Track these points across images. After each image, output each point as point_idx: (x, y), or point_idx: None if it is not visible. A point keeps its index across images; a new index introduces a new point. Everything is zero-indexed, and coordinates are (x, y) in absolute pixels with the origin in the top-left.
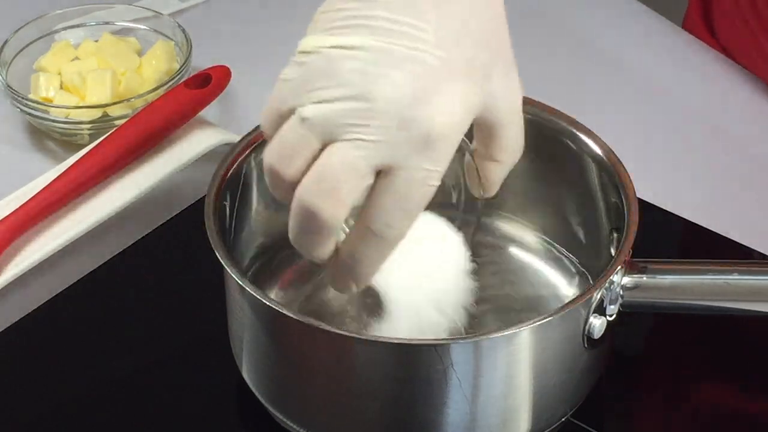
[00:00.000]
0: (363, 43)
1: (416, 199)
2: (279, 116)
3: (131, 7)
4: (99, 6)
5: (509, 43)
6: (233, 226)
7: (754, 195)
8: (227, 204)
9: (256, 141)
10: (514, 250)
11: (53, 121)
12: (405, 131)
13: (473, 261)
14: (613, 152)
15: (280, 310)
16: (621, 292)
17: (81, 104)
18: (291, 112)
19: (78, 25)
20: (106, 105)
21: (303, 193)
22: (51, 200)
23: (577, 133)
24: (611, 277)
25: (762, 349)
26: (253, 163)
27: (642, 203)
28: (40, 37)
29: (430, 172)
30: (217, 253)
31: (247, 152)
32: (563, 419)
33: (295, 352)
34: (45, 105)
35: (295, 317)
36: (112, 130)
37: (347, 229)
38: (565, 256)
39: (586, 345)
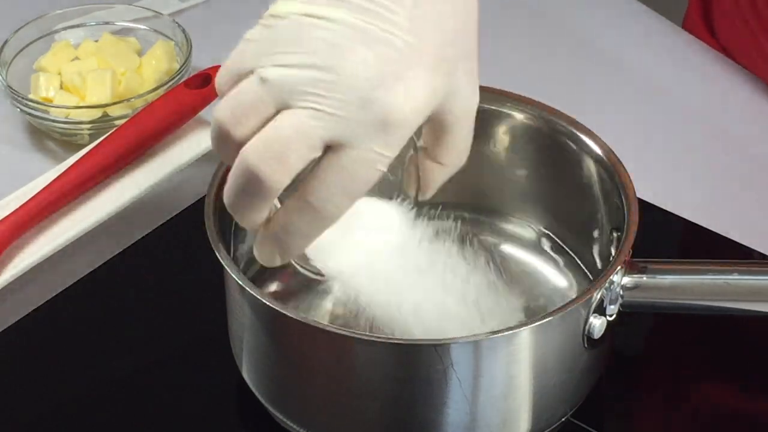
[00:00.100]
0: (336, 15)
1: (361, 181)
2: (237, 75)
3: (131, 7)
4: (99, 6)
5: (476, 44)
6: (233, 226)
7: (754, 195)
8: None
9: None
10: (514, 250)
11: (53, 121)
12: (364, 111)
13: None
14: (613, 152)
15: (280, 310)
16: (621, 292)
17: (81, 104)
18: (250, 72)
19: (78, 25)
20: (106, 105)
21: (249, 154)
22: (51, 200)
23: (577, 133)
24: (611, 277)
25: (762, 349)
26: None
27: (642, 203)
28: (40, 37)
29: (380, 156)
30: (217, 253)
31: None
32: (563, 419)
33: (295, 352)
34: (45, 105)
35: (295, 317)
36: (112, 130)
37: (278, 204)
38: (565, 256)
39: (586, 345)
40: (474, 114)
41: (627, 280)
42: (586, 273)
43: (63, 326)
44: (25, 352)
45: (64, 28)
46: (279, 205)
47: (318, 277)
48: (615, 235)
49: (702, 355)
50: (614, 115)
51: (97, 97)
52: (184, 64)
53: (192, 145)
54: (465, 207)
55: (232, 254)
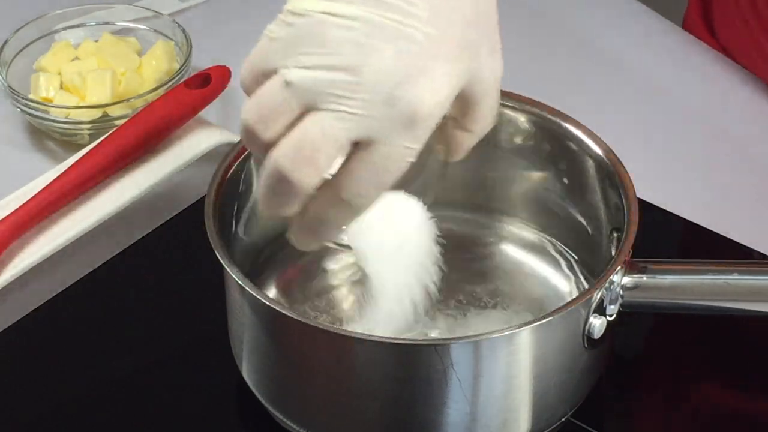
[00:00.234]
0: (355, 13)
1: (391, 174)
2: (261, 73)
3: (131, 7)
4: (99, 6)
5: (497, 21)
6: (233, 225)
7: (754, 195)
8: (227, 204)
9: None
10: (514, 250)
11: (53, 121)
12: (390, 108)
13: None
14: (613, 152)
15: (280, 310)
16: (621, 292)
17: (81, 104)
18: (274, 71)
19: (78, 25)
20: (106, 105)
21: (279, 158)
22: (51, 200)
23: (577, 133)
24: (611, 277)
25: (762, 349)
26: (253, 163)
27: (642, 203)
28: (40, 37)
29: (408, 149)
30: (217, 253)
31: (247, 152)
32: (563, 419)
33: (295, 352)
34: (45, 105)
35: (295, 317)
36: (112, 130)
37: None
38: (565, 256)
39: (586, 345)
40: (499, 82)
41: (627, 280)
42: (586, 273)
43: (63, 326)
44: (25, 352)
45: (64, 28)
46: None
47: (343, 248)
48: (615, 235)
49: (702, 355)
50: (614, 115)
51: (97, 97)
52: (184, 64)
53: (192, 145)
54: (465, 207)
55: (232, 254)
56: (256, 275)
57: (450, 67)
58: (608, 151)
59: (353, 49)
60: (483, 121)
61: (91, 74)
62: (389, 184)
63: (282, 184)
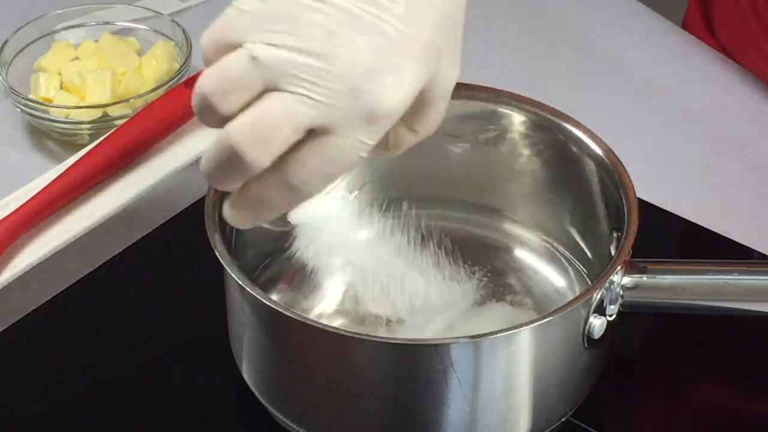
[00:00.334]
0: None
1: (342, 165)
2: (225, 44)
3: (131, 7)
4: (99, 6)
5: (462, 25)
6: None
7: (754, 195)
8: None
9: None
10: (513, 250)
11: (53, 121)
12: (354, 101)
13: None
14: (613, 152)
15: (280, 310)
16: (621, 292)
17: (81, 104)
18: (239, 44)
19: (78, 25)
20: (106, 105)
21: (235, 134)
22: (51, 200)
23: (577, 133)
24: (611, 277)
25: (762, 349)
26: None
27: (642, 203)
28: (40, 37)
29: (363, 144)
30: (217, 253)
31: None
32: (563, 419)
33: (295, 352)
34: (45, 105)
35: (295, 317)
36: (112, 130)
37: None
38: (565, 256)
39: (586, 345)
40: (451, 90)
41: (627, 280)
42: (586, 273)
43: (63, 326)
44: (25, 352)
45: (64, 28)
46: None
47: (283, 230)
48: (615, 235)
49: (702, 355)
50: (614, 115)
51: (97, 97)
52: (184, 64)
53: (192, 145)
54: (464, 206)
55: (232, 255)
56: (256, 275)
57: (416, 68)
58: (608, 151)
59: (325, 36)
60: (429, 125)
61: (91, 74)
62: (337, 176)
63: (233, 159)
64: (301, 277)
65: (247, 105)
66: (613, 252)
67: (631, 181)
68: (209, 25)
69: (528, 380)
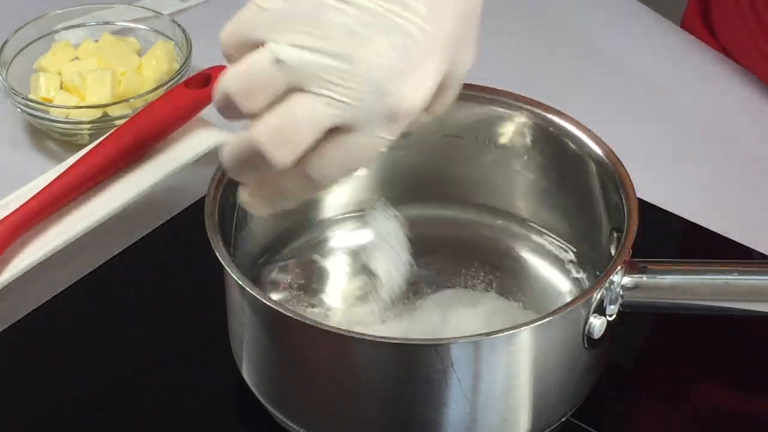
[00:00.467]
0: None
1: (362, 161)
2: (245, 41)
3: (131, 7)
4: (99, 6)
5: (480, 10)
6: (233, 225)
7: (754, 195)
8: (227, 204)
9: None
10: (513, 250)
11: (53, 121)
12: (376, 101)
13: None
14: (613, 152)
15: (280, 310)
16: (621, 292)
17: (81, 104)
18: (261, 43)
19: (78, 25)
20: (106, 105)
21: (260, 134)
22: (51, 200)
23: (577, 133)
24: (611, 277)
25: (762, 349)
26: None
27: (642, 203)
28: (40, 37)
29: (384, 140)
30: (217, 253)
31: None
32: (563, 419)
33: (295, 352)
34: (45, 105)
35: (295, 317)
36: (112, 130)
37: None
38: (565, 256)
39: (586, 345)
40: (466, 73)
41: (627, 280)
42: (586, 273)
43: (63, 326)
44: (25, 352)
45: (64, 28)
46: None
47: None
48: (615, 235)
49: (702, 355)
50: (614, 115)
51: (97, 97)
52: (184, 64)
53: (192, 145)
54: (464, 206)
55: (232, 255)
56: (256, 275)
57: (437, 65)
58: (608, 151)
59: (348, 37)
60: (443, 107)
61: (91, 74)
62: (357, 169)
63: (256, 157)
64: (301, 277)
65: (271, 104)
66: (613, 252)
67: (631, 181)
68: (212, 28)
69: (528, 380)
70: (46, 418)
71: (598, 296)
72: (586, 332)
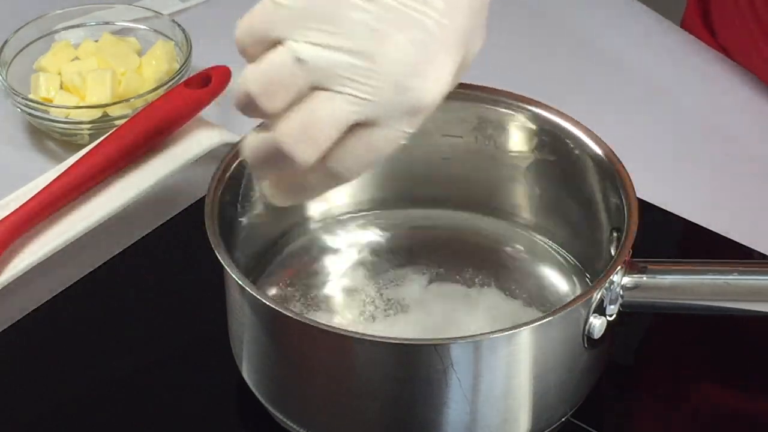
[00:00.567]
0: None
1: (384, 153)
2: (262, 39)
3: (131, 7)
4: (99, 6)
5: (488, 6)
6: (233, 226)
7: (754, 195)
8: (227, 204)
9: None
10: (513, 249)
11: (53, 121)
12: (397, 97)
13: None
14: (613, 152)
15: (280, 310)
16: (621, 292)
17: (81, 104)
18: (278, 41)
19: (78, 25)
20: (106, 105)
21: (284, 135)
22: (51, 200)
23: (577, 133)
24: (611, 277)
25: (762, 349)
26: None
27: (642, 203)
28: (40, 37)
29: (405, 133)
30: (217, 253)
31: None
32: (563, 419)
33: (295, 352)
34: (45, 105)
35: (295, 317)
36: (112, 130)
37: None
38: (566, 256)
39: (586, 345)
40: (474, 57)
41: (627, 280)
42: (586, 273)
43: (63, 326)
44: (25, 352)
45: (64, 28)
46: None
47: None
48: (615, 235)
49: (702, 355)
50: (614, 115)
51: (97, 97)
52: (184, 64)
53: (192, 145)
54: (464, 206)
55: (232, 254)
56: (256, 275)
57: (454, 58)
58: (608, 151)
59: (368, 34)
60: (453, 85)
61: (91, 74)
62: (378, 162)
63: (280, 157)
64: (301, 277)
65: (292, 103)
66: (613, 252)
67: (631, 181)
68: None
69: (528, 380)
70: (46, 418)
71: (598, 296)
72: (586, 332)
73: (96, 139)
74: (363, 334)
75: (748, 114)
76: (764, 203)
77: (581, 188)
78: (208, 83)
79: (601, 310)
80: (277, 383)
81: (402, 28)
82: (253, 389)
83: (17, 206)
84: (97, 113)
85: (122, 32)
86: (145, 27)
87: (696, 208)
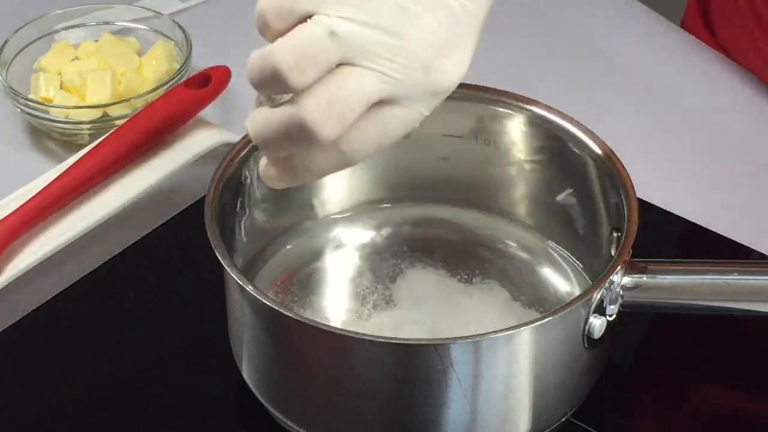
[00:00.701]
0: None
1: (396, 135)
2: (291, 12)
3: (131, 7)
4: (99, 6)
5: None
6: (233, 226)
7: (754, 195)
8: (227, 204)
9: None
10: (513, 249)
11: (53, 121)
12: (423, 77)
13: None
14: (613, 152)
15: (280, 310)
16: (621, 292)
17: (81, 104)
18: (307, 14)
19: (78, 25)
20: (106, 105)
21: (311, 109)
22: (51, 200)
23: (577, 133)
24: (611, 277)
25: (762, 349)
26: (253, 164)
27: (642, 203)
28: (40, 37)
29: (421, 115)
30: (217, 253)
31: (247, 152)
32: (563, 419)
33: (295, 352)
34: (45, 105)
35: (295, 317)
36: (112, 130)
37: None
38: (566, 256)
39: (586, 345)
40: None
41: (627, 280)
42: (586, 273)
43: (63, 326)
44: (25, 352)
45: (64, 28)
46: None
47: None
48: (615, 235)
49: (702, 355)
50: (614, 115)
51: (97, 97)
52: (184, 64)
53: (192, 145)
54: (464, 206)
55: (232, 254)
56: (256, 275)
57: (473, 42)
58: (608, 151)
59: (398, 12)
60: None
61: (91, 74)
62: (388, 144)
63: (302, 133)
64: (301, 277)
65: (319, 78)
66: (613, 252)
67: (631, 181)
68: (212, 28)
69: (528, 380)
70: (46, 418)
71: (598, 296)
72: (586, 332)
73: (96, 139)
74: (363, 334)
75: (748, 114)
76: (764, 203)
77: (581, 188)
78: (208, 83)
79: (601, 310)
80: (277, 383)
81: (431, 8)
82: (253, 389)
83: (17, 206)
84: (97, 113)
85: (122, 32)
86: (145, 27)
87: (696, 208)
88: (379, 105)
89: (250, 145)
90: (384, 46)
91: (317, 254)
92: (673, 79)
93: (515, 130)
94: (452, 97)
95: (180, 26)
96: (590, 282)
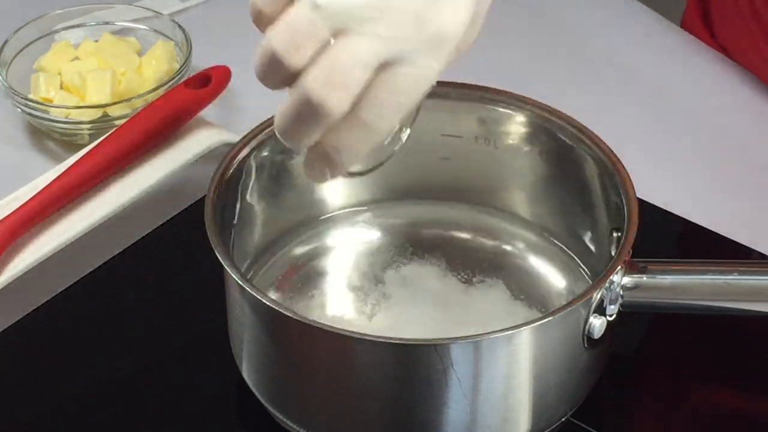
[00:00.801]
0: None
1: (413, 94)
2: None
3: (131, 7)
4: (99, 6)
5: None
6: (233, 225)
7: (754, 195)
8: (227, 204)
9: (255, 140)
10: (514, 250)
11: (53, 121)
12: (417, 30)
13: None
14: (613, 152)
15: (280, 310)
16: (621, 292)
17: (81, 104)
18: None
19: (78, 25)
20: (106, 105)
21: (311, 83)
22: (51, 200)
23: (577, 133)
24: (611, 277)
25: (762, 349)
26: (253, 163)
27: (642, 203)
28: (40, 37)
29: (433, 69)
30: (217, 253)
31: (247, 152)
32: (563, 419)
33: (295, 352)
34: (45, 105)
35: (295, 317)
36: (112, 130)
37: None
38: (565, 256)
39: (586, 345)
40: (488, 10)
41: (627, 280)
42: (586, 273)
43: (63, 326)
44: (25, 352)
45: (64, 28)
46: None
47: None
48: (615, 235)
49: (702, 355)
50: (614, 115)
51: (97, 97)
52: (184, 64)
53: (192, 145)
54: (464, 206)
55: (232, 254)
56: (256, 275)
57: None
58: (608, 151)
59: None
60: (466, 46)
61: (91, 74)
62: (409, 106)
63: (311, 110)
64: (301, 276)
65: (318, 55)
66: (613, 252)
67: (631, 181)
68: (212, 28)
69: (528, 380)
70: (46, 418)
71: (598, 296)
72: (586, 332)
73: (96, 139)
74: (363, 334)
75: (748, 114)
76: (764, 203)
77: (581, 188)
78: (208, 83)
79: (601, 310)
80: (277, 383)
81: None
82: (253, 389)
83: (17, 206)
84: (97, 113)
85: (122, 32)
86: (145, 27)
87: (696, 208)
88: (384, 68)
89: (250, 145)
90: (369, 8)
91: (317, 254)
92: (673, 79)
93: (515, 130)
94: (452, 97)
95: (180, 26)
96: (590, 282)
